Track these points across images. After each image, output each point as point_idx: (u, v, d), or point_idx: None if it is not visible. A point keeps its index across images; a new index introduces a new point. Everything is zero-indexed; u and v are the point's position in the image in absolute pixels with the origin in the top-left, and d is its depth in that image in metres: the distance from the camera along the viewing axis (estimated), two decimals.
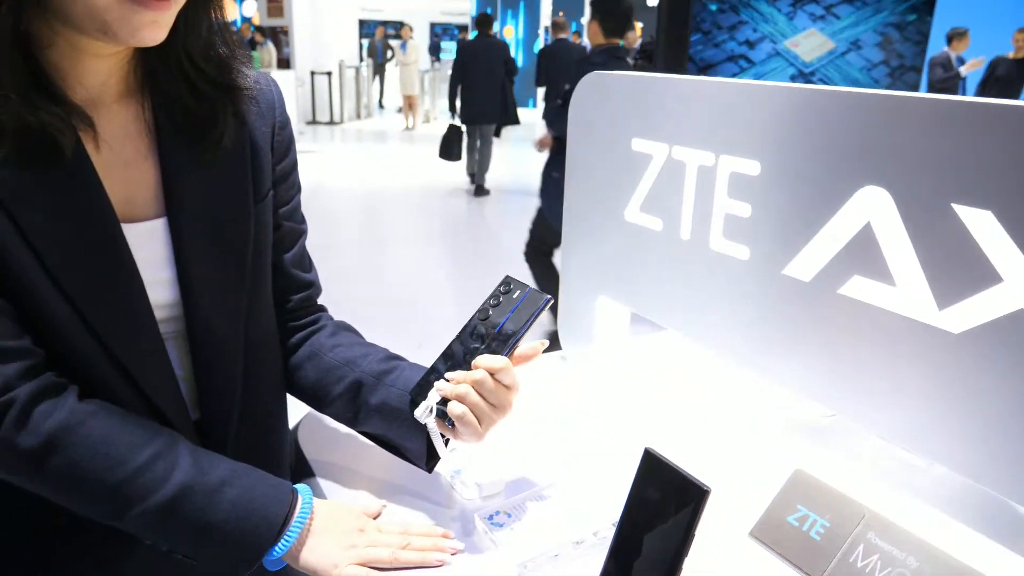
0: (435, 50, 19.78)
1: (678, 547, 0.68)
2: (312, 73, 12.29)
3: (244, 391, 0.90)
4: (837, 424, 1.12)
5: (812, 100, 0.87)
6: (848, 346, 0.86)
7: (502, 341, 0.87)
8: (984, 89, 7.26)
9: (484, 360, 0.85)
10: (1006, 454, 0.72)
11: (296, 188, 0.99)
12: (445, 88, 8.77)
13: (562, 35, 7.33)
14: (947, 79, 7.08)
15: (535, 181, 4.16)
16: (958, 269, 0.74)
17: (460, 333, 0.91)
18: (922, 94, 0.77)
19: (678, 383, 1.31)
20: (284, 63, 11.79)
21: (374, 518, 0.89)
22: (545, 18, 16.34)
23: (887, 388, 0.83)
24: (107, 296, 0.76)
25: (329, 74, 12.41)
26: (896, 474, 0.97)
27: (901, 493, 0.93)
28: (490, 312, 0.90)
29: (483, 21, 7.49)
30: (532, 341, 0.90)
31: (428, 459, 0.92)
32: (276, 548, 0.78)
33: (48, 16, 0.68)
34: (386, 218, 6.91)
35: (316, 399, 0.99)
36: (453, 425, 0.85)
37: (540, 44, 15.32)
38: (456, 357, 0.89)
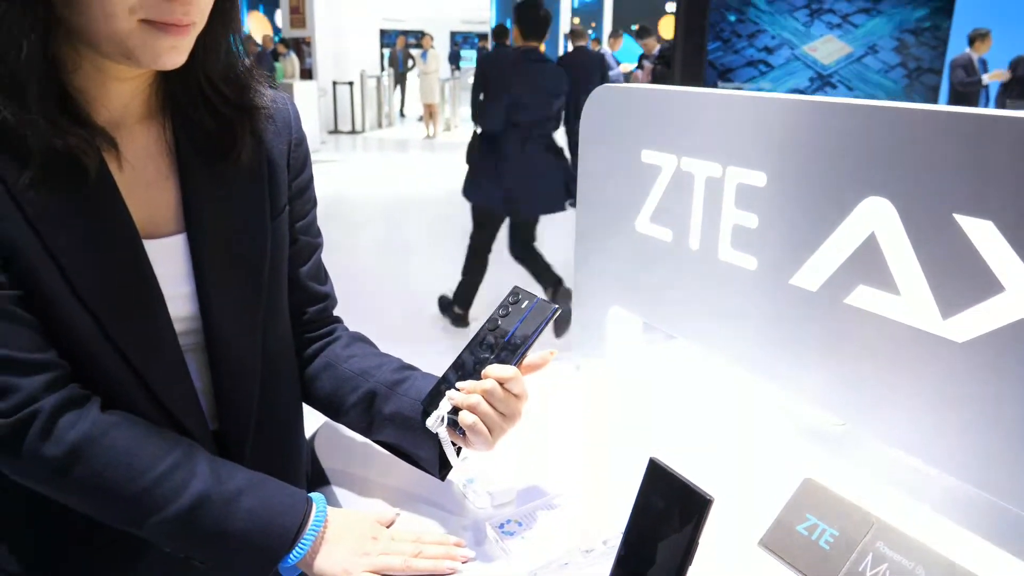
0: (455, 59, 19.87)
1: (683, 556, 0.69)
2: (334, 83, 12.39)
3: (261, 402, 0.92)
4: (847, 433, 1.12)
5: (816, 112, 0.88)
6: (855, 355, 0.87)
7: (511, 351, 0.89)
8: (1006, 89, 7.17)
9: (493, 370, 0.87)
10: (1011, 462, 0.72)
11: (312, 203, 1.01)
12: (465, 96, 8.81)
13: (580, 42, 7.34)
14: (969, 83, 6.99)
15: None
16: (961, 279, 0.74)
17: (470, 343, 0.92)
18: (923, 105, 0.77)
19: (689, 392, 1.32)
20: (307, 74, 11.89)
21: (388, 526, 0.91)
22: (564, 25, 16.39)
23: (893, 396, 0.83)
24: (129, 311, 0.79)
25: (351, 84, 12.51)
26: (906, 483, 0.97)
27: (911, 502, 0.92)
28: (499, 322, 0.91)
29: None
30: (541, 351, 0.92)
31: (441, 468, 0.94)
32: (291, 556, 0.80)
33: (74, 41, 0.71)
34: (408, 226, 6.95)
35: (332, 409, 1.01)
36: (464, 434, 0.87)
37: (559, 51, 15.36)
38: (466, 367, 0.90)
